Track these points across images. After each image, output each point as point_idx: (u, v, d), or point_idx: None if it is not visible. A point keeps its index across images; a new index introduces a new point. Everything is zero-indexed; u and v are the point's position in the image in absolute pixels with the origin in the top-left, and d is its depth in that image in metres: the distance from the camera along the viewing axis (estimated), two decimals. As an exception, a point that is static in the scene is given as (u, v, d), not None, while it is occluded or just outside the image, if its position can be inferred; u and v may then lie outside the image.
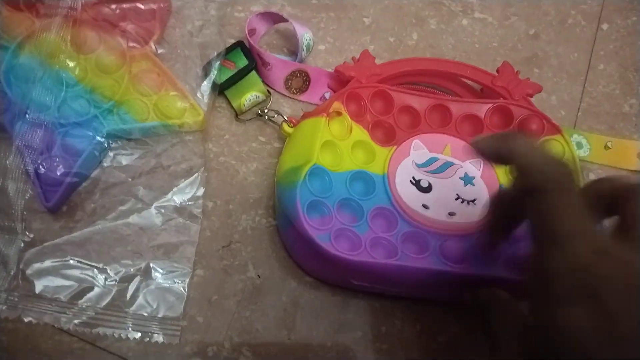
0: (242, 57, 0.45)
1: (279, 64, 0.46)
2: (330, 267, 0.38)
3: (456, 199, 0.41)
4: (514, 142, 0.30)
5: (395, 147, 0.42)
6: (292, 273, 0.42)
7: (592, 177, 0.48)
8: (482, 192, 0.41)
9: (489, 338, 0.34)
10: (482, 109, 0.43)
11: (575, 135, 0.48)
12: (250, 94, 0.45)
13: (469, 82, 0.47)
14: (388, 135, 0.43)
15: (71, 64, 0.42)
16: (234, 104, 0.45)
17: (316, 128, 0.40)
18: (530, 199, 0.29)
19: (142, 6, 0.44)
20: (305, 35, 0.46)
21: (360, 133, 0.42)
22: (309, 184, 0.38)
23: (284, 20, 0.47)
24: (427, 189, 0.41)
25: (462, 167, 0.42)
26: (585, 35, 0.53)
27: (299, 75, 0.47)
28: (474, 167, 0.42)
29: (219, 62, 0.45)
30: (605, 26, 0.54)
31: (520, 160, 0.30)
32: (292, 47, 0.49)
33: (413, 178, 0.41)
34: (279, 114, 0.45)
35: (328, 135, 0.40)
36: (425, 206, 0.40)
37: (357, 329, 0.41)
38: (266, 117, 0.45)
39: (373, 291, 0.41)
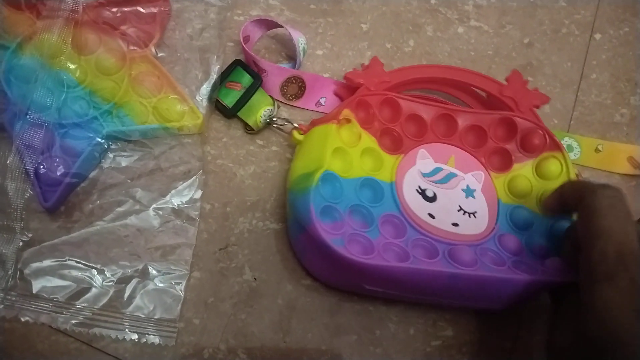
0: (245, 75, 0.46)
1: (275, 71, 0.46)
2: (344, 272, 0.38)
3: (458, 210, 0.41)
4: (562, 185, 0.39)
5: (402, 155, 0.43)
6: (289, 276, 0.42)
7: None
8: (482, 205, 0.42)
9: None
10: (487, 120, 0.44)
11: (566, 138, 0.49)
12: (263, 110, 0.45)
13: (476, 90, 0.48)
14: (395, 143, 0.43)
15: (72, 66, 0.42)
16: (250, 122, 0.45)
17: (327, 135, 0.40)
18: (580, 209, 0.35)
19: (142, 9, 0.44)
20: (300, 40, 0.47)
21: (368, 140, 0.43)
22: (322, 190, 0.38)
23: (278, 26, 0.47)
24: (432, 199, 0.41)
25: (464, 179, 0.43)
26: (579, 44, 0.54)
27: (294, 81, 0.47)
28: (475, 180, 0.43)
29: (219, 66, 0.45)
30: (598, 36, 0.55)
31: (567, 191, 0.38)
32: (289, 52, 0.49)
33: (419, 187, 0.42)
34: (288, 122, 0.45)
35: (338, 141, 0.41)
36: (431, 215, 0.40)
37: (351, 332, 0.41)
38: (274, 125, 0.45)
39: (384, 297, 0.41)
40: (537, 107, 0.45)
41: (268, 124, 0.45)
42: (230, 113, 0.45)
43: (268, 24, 0.48)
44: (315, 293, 0.42)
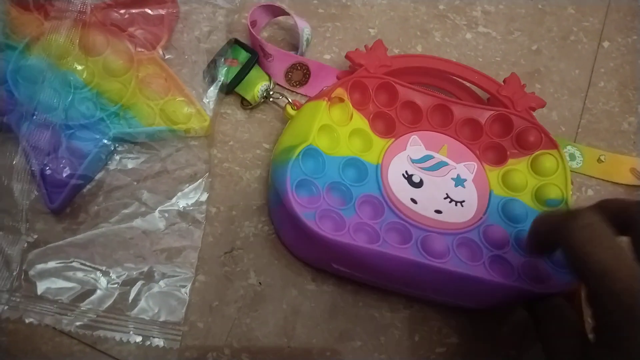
0: (241, 52, 0.46)
1: (281, 56, 0.47)
2: (313, 248, 0.38)
3: (445, 198, 0.41)
4: (534, 221, 0.34)
5: (393, 139, 0.43)
6: (294, 281, 0.42)
7: (590, 193, 0.49)
8: (471, 195, 0.41)
9: (545, 348, 0.34)
10: (484, 115, 0.44)
11: (568, 147, 0.49)
12: (261, 85, 0.45)
13: (475, 89, 0.48)
14: (388, 127, 0.43)
15: (79, 67, 0.42)
16: (248, 97, 0.46)
17: (316, 110, 0.41)
18: (563, 247, 0.31)
19: (150, 11, 0.44)
20: (304, 29, 0.47)
21: (360, 121, 0.43)
22: (302, 163, 0.38)
23: (285, 13, 0.48)
24: (418, 185, 0.41)
25: (455, 168, 0.42)
26: (587, 52, 0.54)
27: (299, 68, 0.47)
28: (467, 170, 0.42)
29: (225, 68, 0.45)
30: (606, 44, 0.55)
31: (539, 226, 0.34)
32: (293, 41, 0.49)
33: (406, 172, 0.41)
34: (283, 96, 0.46)
35: (327, 119, 0.41)
36: (413, 200, 0.40)
37: (356, 338, 0.41)
38: (271, 99, 0.46)
39: (353, 279, 0.41)
40: (533, 109, 0.45)
41: (265, 98, 0.46)
42: (227, 89, 0.45)
43: (275, 11, 0.48)
44: (320, 298, 0.42)
